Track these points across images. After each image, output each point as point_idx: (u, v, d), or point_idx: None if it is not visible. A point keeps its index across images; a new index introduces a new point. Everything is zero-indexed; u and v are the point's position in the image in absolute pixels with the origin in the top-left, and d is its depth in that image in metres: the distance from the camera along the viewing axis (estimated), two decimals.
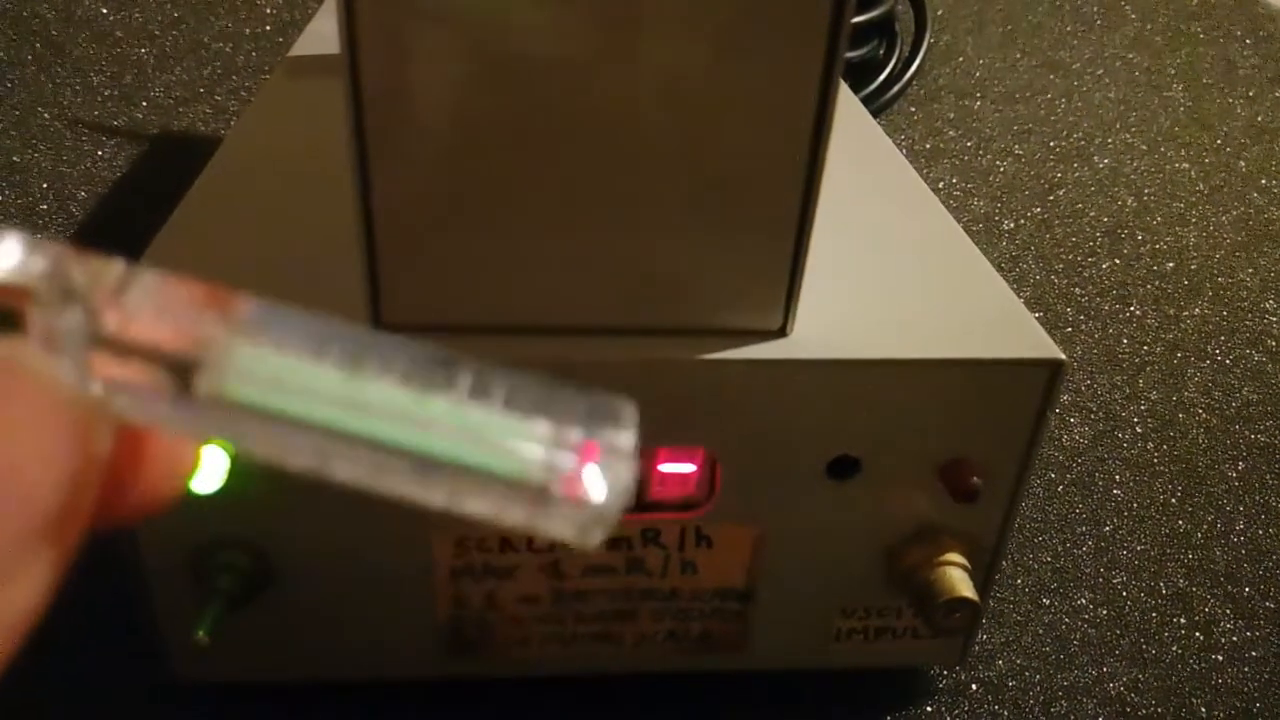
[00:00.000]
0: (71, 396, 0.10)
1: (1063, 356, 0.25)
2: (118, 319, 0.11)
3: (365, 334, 0.11)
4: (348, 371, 0.11)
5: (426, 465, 0.10)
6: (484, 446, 0.10)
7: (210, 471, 0.24)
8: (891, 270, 0.28)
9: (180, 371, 0.11)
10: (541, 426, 0.11)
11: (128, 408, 0.11)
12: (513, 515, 0.11)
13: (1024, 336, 0.26)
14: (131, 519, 0.11)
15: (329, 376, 0.11)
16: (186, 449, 0.12)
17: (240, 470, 0.24)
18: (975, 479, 0.26)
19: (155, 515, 0.12)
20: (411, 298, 0.24)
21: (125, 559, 0.25)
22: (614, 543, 0.27)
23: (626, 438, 0.11)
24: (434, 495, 0.11)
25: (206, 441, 0.11)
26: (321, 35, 0.45)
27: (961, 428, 0.26)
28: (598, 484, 0.10)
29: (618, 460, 0.11)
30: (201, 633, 0.24)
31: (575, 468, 0.10)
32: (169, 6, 0.66)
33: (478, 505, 0.11)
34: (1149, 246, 0.53)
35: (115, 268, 0.11)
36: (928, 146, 0.61)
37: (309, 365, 0.11)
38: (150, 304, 0.11)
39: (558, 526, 0.11)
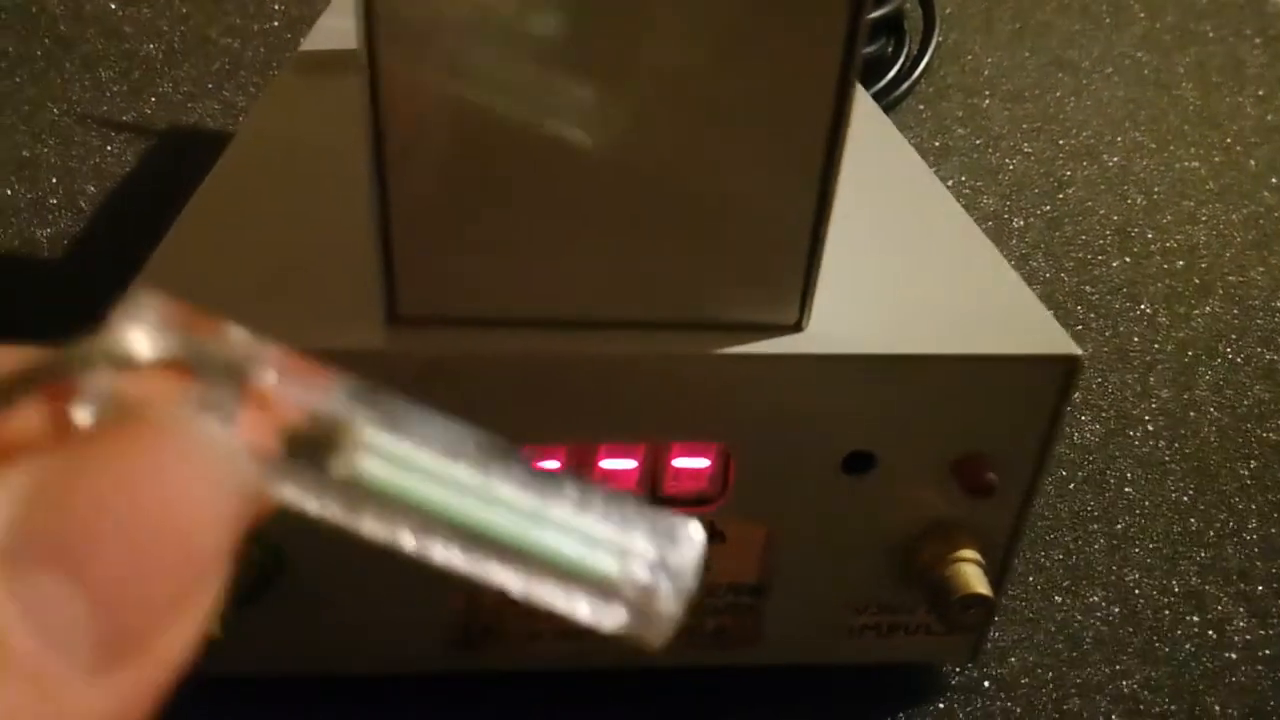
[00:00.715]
0: (231, 454, 0.11)
1: (1079, 352, 0.25)
2: (256, 392, 0.12)
3: (483, 437, 0.12)
4: (479, 471, 0.12)
5: (522, 556, 0.12)
6: (585, 549, 0.12)
7: None
8: (907, 265, 0.28)
9: (306, 447, 0.12)
10: (626, 539, 0.12)
11: (258, 476, 0.12)
12: (582, 610, 0.12)
13: (1041, 332, 0.26)
14: None
15: (463, 473, 0.12)
16: None
17: None
18: (991, 475, 0.26)
19: None
20: (427, 291, 0.24)
21: None
22: None
23: (691, 558, 0.12)
24: (517, 583, 0.12)
25: (314, 515, 0.12)
26: (332, 30, 0.44)
27: (977, 423, 0.26)
28: (668, 596, 0.12)
29: (682, 576, 0.12)
30: (213, 626, 0.24)
31: (650, 580, 0.12)
32: (177, 2, 0.66)
33: (554, 596, 0.12)
34: (1159, 245, 0.53)
35: (248, 340, 0.12)
36: (936, 144, 0.61)
37: (444, 461, 0.12)
38: (277, 377, 0.12)
39: (619, 624, 0.12)
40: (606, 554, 0.12)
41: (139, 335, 0.11)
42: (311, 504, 0.12)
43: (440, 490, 0.12)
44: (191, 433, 0.11)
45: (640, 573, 0.12)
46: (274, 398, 0.12)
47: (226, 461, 0.11)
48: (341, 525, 0.12)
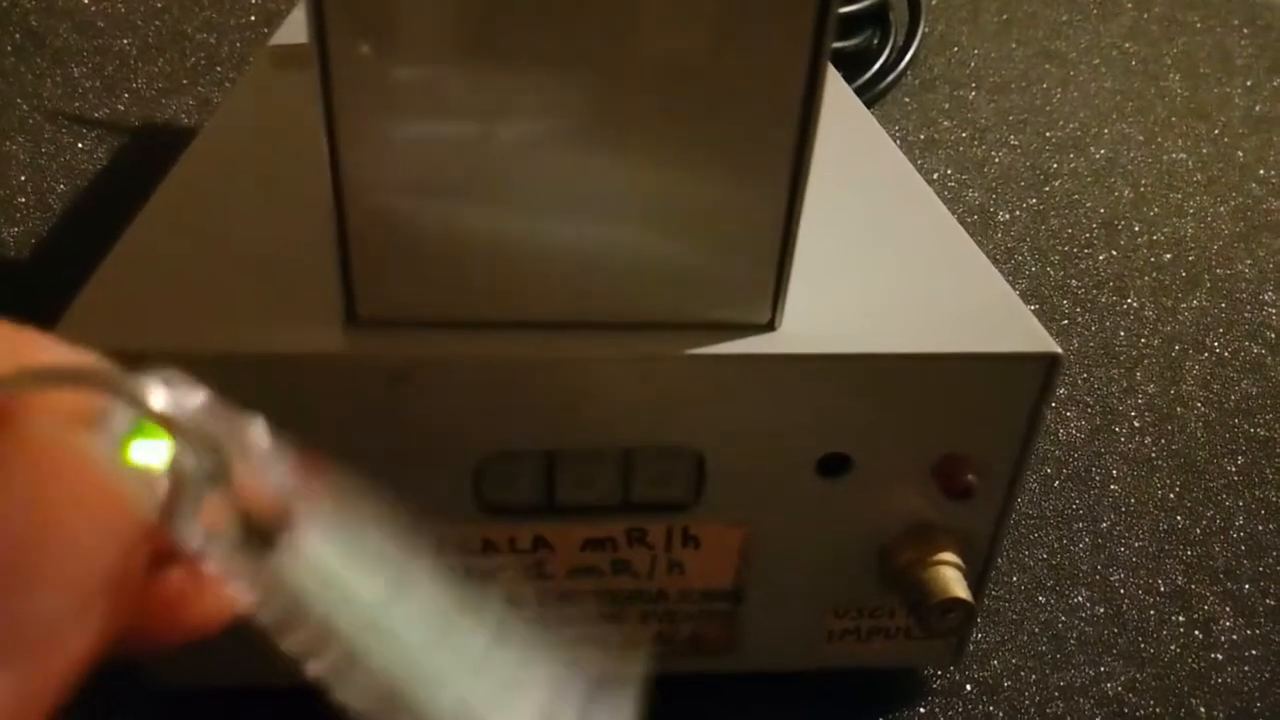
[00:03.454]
0: (114, 474, 0.11)
1: (1059, 350, 0.24)
2: (238, 473, 0.12)
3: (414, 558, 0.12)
4: (390, 593, 0.12)
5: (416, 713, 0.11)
6: (491, 704, 0.11)
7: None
8: (883, 263, 0.28)
9: (259, 536, 0.12)
10: (540, 695, 0.11)
11: (209, 551, 0.12)
12: None
13: (1019, 330, 0.25)
14: (180, 639, 0.13)
15: (373, 591, 0.12)
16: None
17: None
18: (970, 476, 0.25)
19: (199, 638, 0.13)
20: (387, 292, 0.23)
21: None
22: (599, 544, 0.26)
23: None
24: None
25: (252, 606, 0.12)
26: (304, 24, 0.44)
27: (955, 424, 0.25)
28: None
29: None
30: None
31: None
32: None
33: None
34: (1146, 238, 0.53)
35: (250, 426, 0.12)
36: (922, 137, 0.60)
37: (359, 575, 0.12)
38: (263, 468, 0.12)
39: None
40: (517, 712, 0.11)
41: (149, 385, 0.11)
42: (244, 594, 0.12)
43: (348, 606, 0.12)
44: (74, 454, 0.11)
45: None
46: (252, 489, 0.12)
47: (108, 476, 0.11)
48: (261, 619, 0.12)
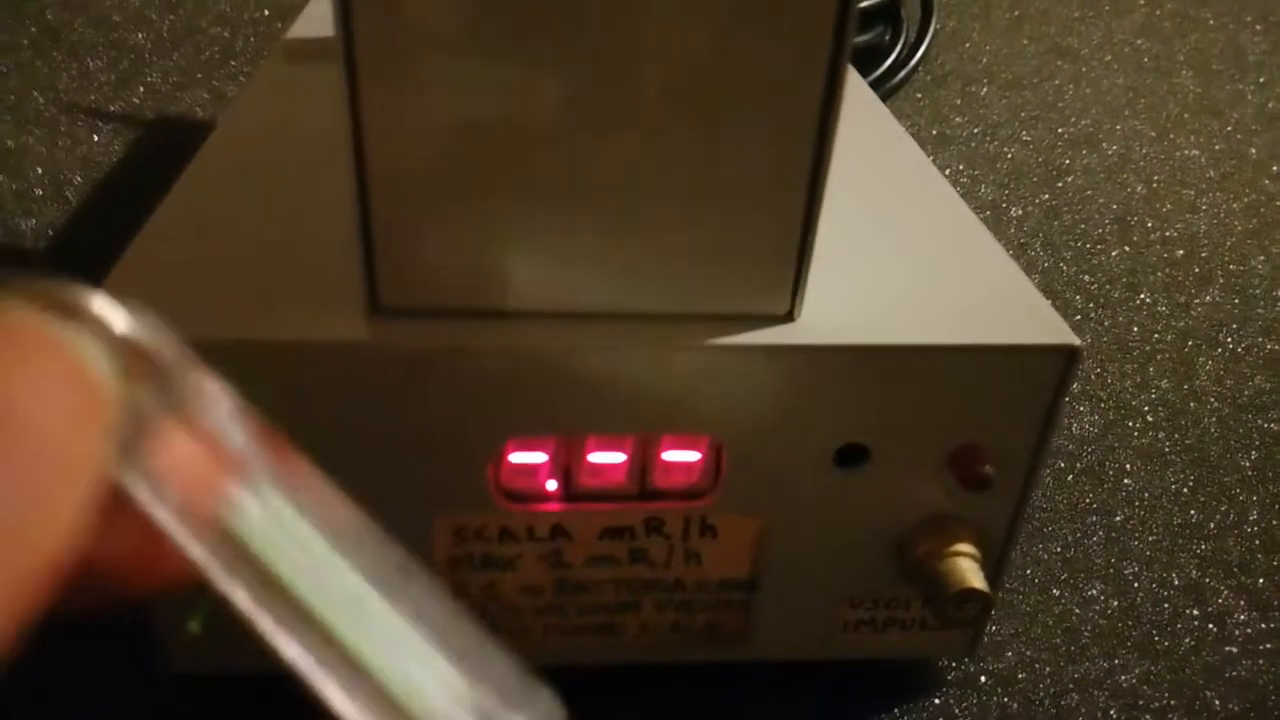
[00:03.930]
0: (82, 354, 0.11)
1: (1077, 342, 0.24)
2: (189, 411, 0.12)
3: (363, 524, 0.12)
4: (335, 551, 0.12)
5: (357, 671, 0.11)
6: (403, 676, 0.11)
7: None
8: (902, 254, 0.28)
9: (205, 487, 0.12)
10: (460, 679, 0.11)
11: (145, 495, 0.11)
12: None
13: (1039, 322, 0.25)
14: (159, 583, 0.13)
15: (317, 547, 0.12)
16: None
17: None
18: (987, 467, 0.25)
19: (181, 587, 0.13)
20: (409, 281, 0.23)
21: None
22: (617, 532, 0.26)
23: None
24: (341, 701, 0.11)
25: (184, 558, 0.12)
26: (319, 17, 0.44)
27: (973, 415, 0.25)
28: None
29: None
30: (194, 623, 0.23)
31: None
32: None
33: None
34: (1159, 234, 0.53)
35: (212, 380, 0.12)
36: (934, 133, 0.60)
37: (304, 528, 0.12)
38: (217, 419, 0.12)
39: None
40: (432, 689, 0.11)
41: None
42: (177, 540, 0.12)
43: (295, 556, 0.12)
44: (44, 331, 0.10)
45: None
46: (196, 416, 0.12)
47: (84, 363, 0.10)
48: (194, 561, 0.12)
